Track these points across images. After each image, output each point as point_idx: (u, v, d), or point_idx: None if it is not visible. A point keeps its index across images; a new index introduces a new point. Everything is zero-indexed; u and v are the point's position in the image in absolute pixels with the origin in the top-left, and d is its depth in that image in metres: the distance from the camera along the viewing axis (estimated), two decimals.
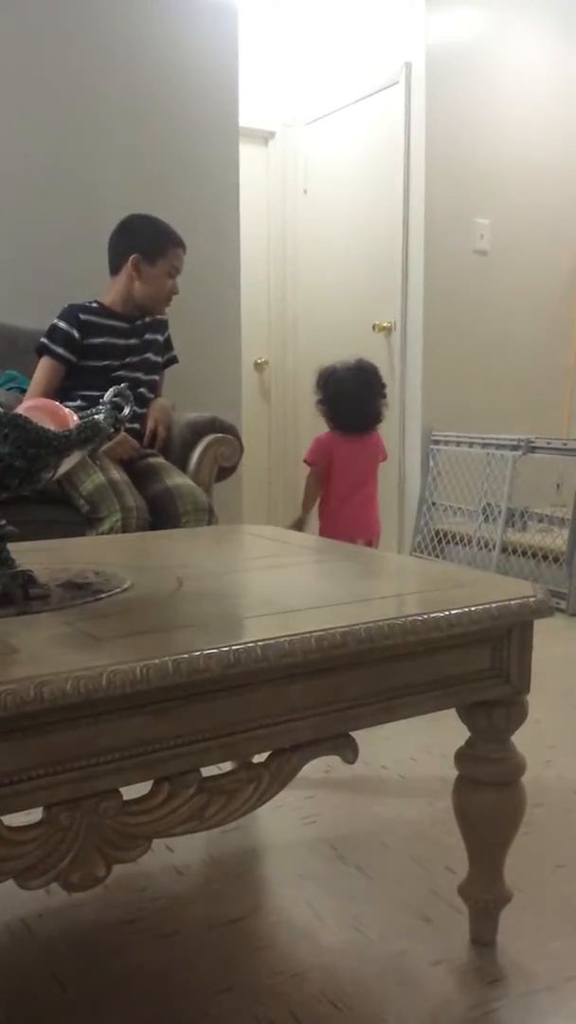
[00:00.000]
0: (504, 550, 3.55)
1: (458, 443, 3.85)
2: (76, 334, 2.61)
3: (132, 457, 2.56)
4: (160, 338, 2.83)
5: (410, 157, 3.94)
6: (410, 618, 1.01)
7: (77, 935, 1.27)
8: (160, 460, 2.63)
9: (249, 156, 4.15)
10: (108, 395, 1.17)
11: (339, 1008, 1.11)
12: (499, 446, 3.59)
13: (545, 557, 3.37)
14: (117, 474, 2.38)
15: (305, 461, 2.79)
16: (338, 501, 2.74)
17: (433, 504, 3.95)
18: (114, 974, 1.18)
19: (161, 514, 2.37)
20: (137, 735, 0.88)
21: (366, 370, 2.76)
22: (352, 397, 2.72)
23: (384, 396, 2.78)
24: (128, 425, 2.58)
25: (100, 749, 0.86)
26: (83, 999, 1.14)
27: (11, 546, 1.11)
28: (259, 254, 4.61)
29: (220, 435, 2.72)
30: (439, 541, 3.88)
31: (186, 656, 0.86)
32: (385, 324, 4.10)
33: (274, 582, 1.27)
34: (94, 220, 3.22)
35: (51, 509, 2.28)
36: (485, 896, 1.23)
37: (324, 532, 2.71)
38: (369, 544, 2.71)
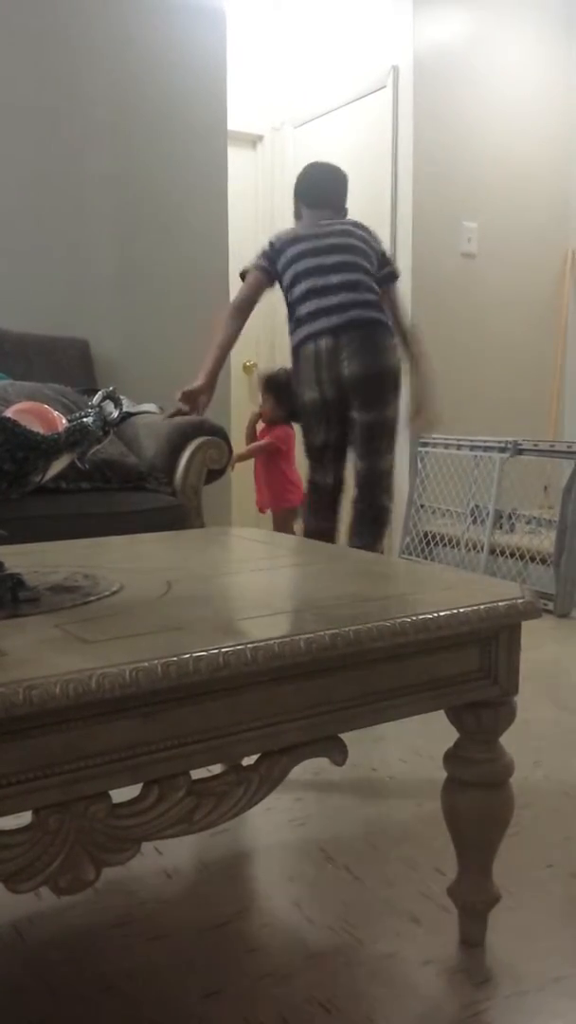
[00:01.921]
0: (492, 552, 3.56)
1: (446, 445, 3.86)
2: None
3: None
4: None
5: (397, 160, 3.95)
6: (399, 620, 1.01)
7: (66, 939, 1.27)
8: None
9: (238, 160, 4.16)
10: (97, 397, 1.17)
11: (328, 1010, 1.11)
12: (486, 448, 3.60)
13: (533, 559, 3.38)
14: None
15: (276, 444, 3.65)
16: (296, 482, 3.67)
17: (421, 506, 3.96)
18: (104, 977, 1.18)
19: None
20: (126, 738, 0.88)
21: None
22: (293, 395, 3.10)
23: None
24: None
25: (89, 752, 0.86)
26: (73, 1003, 1.13)
27: (0, 549, 1.10)
28: (248, 257, 4.59)
29: (208, 438, 2.72)
30: (427, 543, 3.89)
31: (175, 659, 0.87)
32: None
33: (263, 585, 1.27)
34: (82, 224, 3.22)
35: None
36: (474, 897, 1.23)
37: (283, 504, 3.75)
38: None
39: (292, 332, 2.79)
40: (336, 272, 2.69)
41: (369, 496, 2.76)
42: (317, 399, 2.73)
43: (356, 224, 2.85)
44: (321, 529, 2.84)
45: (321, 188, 2.91)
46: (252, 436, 3.82)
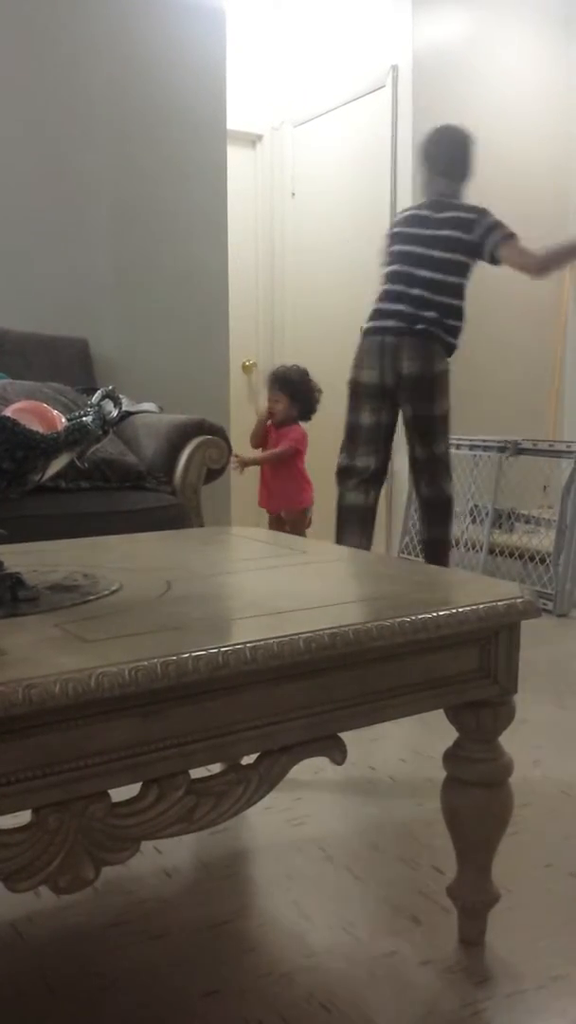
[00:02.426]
0: (491, 551, 3.56)
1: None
2: None
3: None
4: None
5: (397, 160, 3.95)
6: (398, 619, 1.01)
7: (66, 938, 1.27)
8: None
9: (237, 159, 4.16)
10: (96, 396, 1.17)
11: (328, 1009, 1.11)
12: (486, 448, 3.61)
13: (532, 558, 3.38)
14: None
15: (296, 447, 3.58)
16: (309, 483, 3.63)
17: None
18: (103, 976, 1.18)
19: None
20: (126, 737, 0.88)
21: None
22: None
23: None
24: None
25: (89, 751, 0.86)
26: (72, 1002, 1.13)
27: (0, 548, 1.10)
28: (247, 257, 4.61)
29: (208, 437, 2.72)
30: None
31: (175, 658, 0.87)
32: None
33: (262, 584, 1.27)
34: (82, 222, 3.22)
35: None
36: (473, 896, 1.23)
37: (300, 505, 3.64)
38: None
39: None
40: (427, 267, 2.90)
41: (430, 479, 2.99)
42: (376, 382, 2.95)
43: (470, 209, 2.94)
44: (365, 505, 3.03)
45: (453, 156, 3.01)
46: (262, 438, 3.67)
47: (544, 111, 4.27)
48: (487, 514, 3.57)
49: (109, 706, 0.86)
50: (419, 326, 2.88)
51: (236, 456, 3.38)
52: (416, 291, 2.90)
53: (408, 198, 3.91)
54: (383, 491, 4.07)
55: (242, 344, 4.55)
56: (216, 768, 0.99)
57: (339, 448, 3.04)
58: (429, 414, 2.93)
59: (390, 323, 2.91)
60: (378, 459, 3.02)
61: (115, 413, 1.17)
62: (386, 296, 2.95)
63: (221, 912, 1.33)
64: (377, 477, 3.04)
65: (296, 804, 1.68)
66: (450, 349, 2.95)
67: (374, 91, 4.04)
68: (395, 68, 3.91)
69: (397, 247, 2.98)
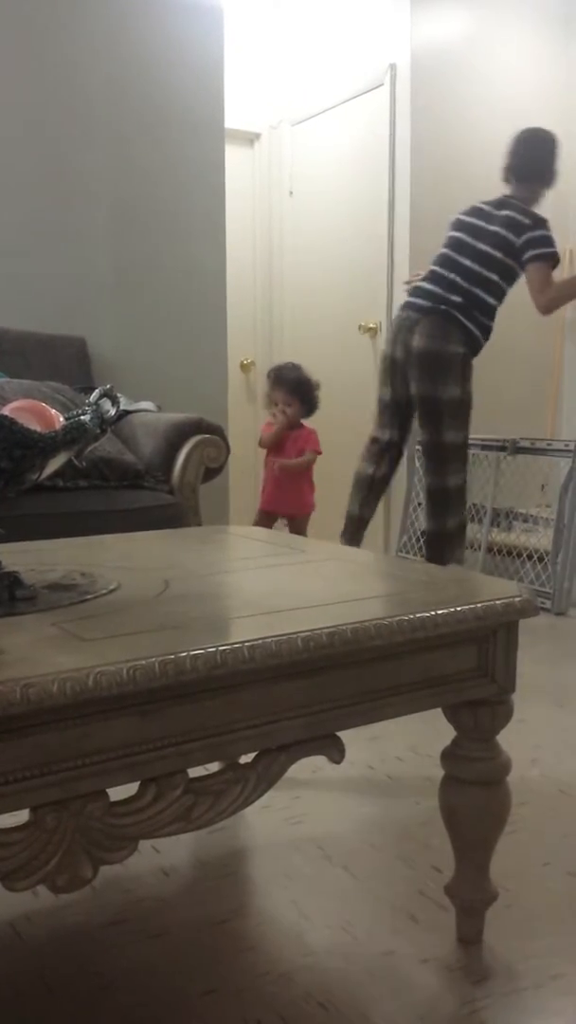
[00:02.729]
0: (489, 550, 3.56)
1: None
2: None
3: None
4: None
5: (395, 158, 3.95)
6: (396, 618, 1.01)
7: (64, 937, 1.27)
8: None
9: (235, 157, 4.15)
10: (94, 395, 1.17)
11: (326, 1008, 1.11)
12: (484, 447, 3.60)
13: (530, 557, 3.38)
14: None
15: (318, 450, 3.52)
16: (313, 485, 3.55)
17: (419, 504, 3.96)
18: (101, 976, 1.18)
19: None
20: (123, 736, 0.88)
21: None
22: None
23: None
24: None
25: (86, 750, 0.86)
26: (71, 1001, 1.13)
27: None
28: (245, 255, 4.61)
29: (206, 436, 2.72)
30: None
31: (172, 657, 0.86)
32: (371, 325, 4.11)
33: (260, 583, 1.27)
34: (79, 221, 3.22)
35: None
36: (471, 895, 1.23)
37: (308, 510, 3.55)
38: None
39: None
40: (469, 256, 3.00)
41: (431, 467, 3.06)
42: (390, 355, 3.11)
43: (527, 214, 3.01)
44: (368, 475, 3.20)
45: (531, 159, 3.11)
46: (279, 443, 3.51)
47: (543, 110, 4.26)
48: (485, 513, 3.57)
49: (107, 705, 0.86)
50: (442, 306, 2.95)
51: (280, 465, 3.40)
52: (452, 275, 2.98)
53: (406, 196, 3.91)
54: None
55: (240, 343, 4.55)
56: (214, 767, 0.99)
57: None
58: (432, 395, 2.96)
59: (418, 301, 3.02)
60: (392, 432, 3.14)
61: (113, 412, 1.17)
62: (426, 277, 3.06)
63: (219, 911, 1.33)
64: (389, 450, 3.16)
65: (294, 803, 1.68)
66: (471, 340, 2.99)
67: (372, 90, 4.04)
68: (393, 67, 3.91)
69: (451, 233, 3.08)
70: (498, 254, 2.96)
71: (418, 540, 3.90)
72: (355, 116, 4.17)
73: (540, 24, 4.22)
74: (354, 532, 3.20)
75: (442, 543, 3.05)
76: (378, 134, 4.01)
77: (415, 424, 3.13)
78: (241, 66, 4.34)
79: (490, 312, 3.00)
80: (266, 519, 3.54)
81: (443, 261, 3.03)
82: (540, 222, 2.96)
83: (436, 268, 3.04)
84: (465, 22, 4.00)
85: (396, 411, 3.13)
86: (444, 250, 3.06)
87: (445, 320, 2.95)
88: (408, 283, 3.53)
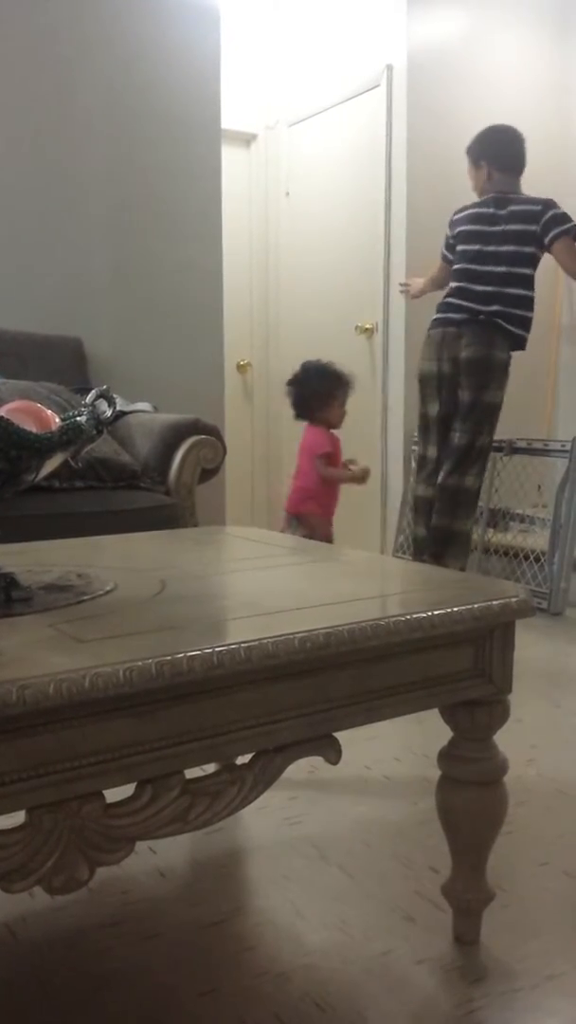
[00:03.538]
0: (486, 550, 3.56)
1: None
2: None
3: None
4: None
5: (391, 159, 3.95)
6: (393, 619, 1.01)
7: (60, 938, 1.27)
8: None
9: (231, 158, 4.15)
10: (90, 396, 1.17)
11: (323, 1008, 1.11)
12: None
13: (526, 557, 3.39)
14: None
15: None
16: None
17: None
18: (97, 977, 1.18)
19: None
20: (120, 737, 0.88)
21: (305, 367, 3.12)
22: (292, 388, 3.11)
23: (316, 392, 3.05)
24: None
25: (83, 752, 0.86)
26: (67, 1002, 1.13)
27: None
28: (241, 256, 4.61)
29: (203, 437, 2.72)
30: None
31: (169, 658, 0.86)
32: (367, 326, 4.11)
33: (257, 584, 1.27)
34: (76, 222, 3.22)
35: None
36: (468, 895, 1.23)
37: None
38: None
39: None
40: (493, 262, 3.04)
41: (455, 466, 3.08)
42: (434, 371, 3.10)
43: (535, 201, 3.06)
44: (428, 497, 3.16)
45: (514, 152, 3.16)
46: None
47: (539, 111, 4.27)
48: (482, 513, 3.57)
49: (103, 706, 0.86)
50: (480, 316, 3.01)
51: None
52: (482, 287, 3.01)
53: (403, 197, 3.91)
54: (378, 492, 4.09)
55: (237, 344, 4.54)
56: (211, 768, 0.99)
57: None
58: (479, 398, 3.02)
59: (454, 315, 3.05)
60: (440, 449, 3.15)
61: (109, 413, 1.17)
62: (453, 292, 3.08)
63: (216, 912, 1.33)
64: (441, 466, 3.15)
65: (291, 803, 1.68)
66: (517, 340, 3.04)
67: (369, 90, 4.04)
68: (390, 67, 3.91)
69: (463, 247, 3.10)
70: (526, 248, 3.01)
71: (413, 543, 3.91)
72: (351, 117, 4.17)
73: (536, 25, 4.23)
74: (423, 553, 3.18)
75: (448, 541, 3.06)
76: (374, 135, 4.01)
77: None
78: (237, 67, 4.34)
79: (530, 304, 3.05)
80: (292, 522, 3.17)
81: (469, 276, 3.05)
82: (550, 202, 3.03)
83: (464, 284, 3.06)
84: (461, 23, 4.00)
85: (444, 426, 3.12)
86: (464, 265, 3.08)
87: (490, 328, 3.00)
88: (404, 286, 3.52)
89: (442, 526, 3.07)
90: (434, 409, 3.13)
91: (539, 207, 3.02)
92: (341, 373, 3.05)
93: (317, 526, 3.02)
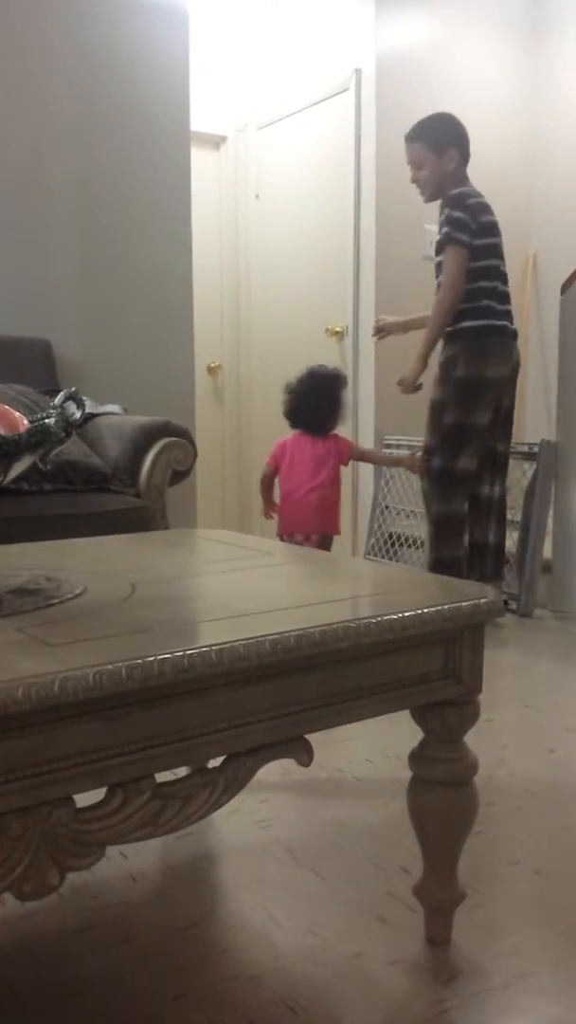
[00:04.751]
0: None
1: (410, 446, 3.87)
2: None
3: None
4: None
5: (361, 163, 3.97)
6: (363, 621, 1.02)
7: (31, 944, 1.26)
8: None
9: (201, 161, 4.15)
10: (59, 398, 1.16)
11: (295, 1011, 1.11)
12: None
13: None
14: None
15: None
16: (282, 498, 2.98)
17: (386, 507, 3.98)
18: (68, 983, 1.17)
19: None
20: (90, 742, 0.87)
21: (316, 376, 2.95)
22: (295, 399, 2.94)
23: (330, 403, 2.94)
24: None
25: (52, 756, 0.85)
26: (38, 1009, 1.12)
27: None
28: (211, 258, 4.60)
29: (173, 439, 2.72)
30: (392, 544, 3.91)
31: (139, 662, 0.86)
32: (337, 328, 4.12)
33: (228, 586, 1.27)
34: (44, 224, 3.19)
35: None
36: (440, 895, 1.24)
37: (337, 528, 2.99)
38: (306, 540, 2.86)
39: (472, 301, 2.84)
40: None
41: (502, 477, 3.04)
42: (505, 376, 2.91)
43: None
44: (463, 517, 2.98)
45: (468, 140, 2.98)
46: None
47: (507, 115, 4.31)
48: None
49: (73, 711, 0.85)
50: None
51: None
52: (504, 288, 2.92)
53: (372, 200, 3.92)
54: (349, 493, 4.11)
55: (207, 346, 4.54)
56: (182, 771, 0.99)
57: (439, 449, 2.91)
58: (513, 405, 3.03)
59: (509, 322, 2.92)
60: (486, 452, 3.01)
61: (78, 415, 1.16)
62: (504, 297, 2.90)
63: (188, 916, 1.32)
64: (489, 466, 3.03)
65: (263, 806, 1.68)
66: None
67: (337, 94, 4.05)
68: (358, 72, 3.93)
69: (493, 240, 2.87)
70: None
71: (386, 542, 3.92)
72: (321, 120, 4.18)
73: (504, 30, 4.26)
74: (492, 562, 3.08)
75: (502, 558, 3.05)
76: (344, 138, 4.02)
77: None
78: (207, 69, 4.34)
79: None
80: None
81: (504, 276, 2.91)
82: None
83: (507, 289, 2.91)
84: (430, 27, 4.03)
85: (487, 435, 2.95)
86: (500, 262, 2.88)
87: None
88: (379, 332, 3.27)
89: (501, 543, 3.03)
90: (487, 418, 2.88)
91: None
92: (345, 377, 3.04)
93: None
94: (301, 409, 2.93)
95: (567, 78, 4.28)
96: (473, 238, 2.79)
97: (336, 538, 2.99)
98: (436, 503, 2.92)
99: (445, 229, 2.81)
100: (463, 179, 2.92)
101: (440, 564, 2.89)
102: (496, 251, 2.87)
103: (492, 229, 2.85)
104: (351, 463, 3.21)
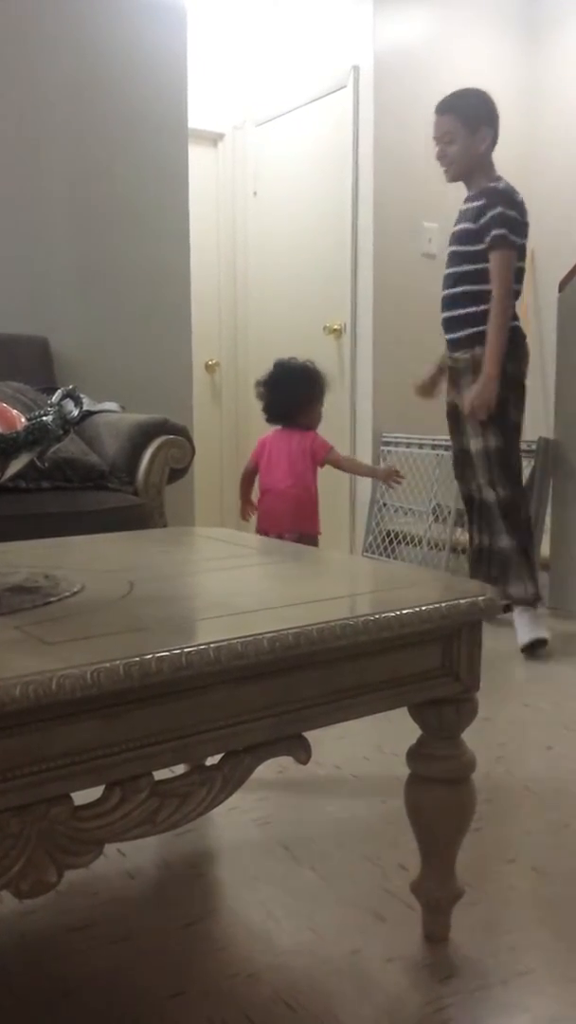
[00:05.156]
0: (454, 550, 3.58)
1: (408, 444, 3.88)
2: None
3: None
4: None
5: (359, 160, 3.96)
6: (361, 618, 1.02)
7: (28, 943, 1.26)
8: None
9: (199, 158, 4.14)
10: (57, 396, 1.16)
11: (293, 1008, 1.11)
12: (448, 447, 3.62)
13: None
14: None
15: None
16: (260, 494, 2.94)
17: (384, 505, 3.98)
18: (67, 980, 1.17)
19: None
20: (88, 740, 0.87)
21: (283, 367, 2.93)
22: (265, 392, 2.91)
23: (298, 393, 2.89)
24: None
25: (51, 754, 0.85)
26: (36, 1007, 1.12)
27: None
28: (209, 256, 4.60)
29: (171, 437, 2.71)
30: (390, 541, 3.91)
31: (137, 660, 0.86)
32: (335, 326, 4.12)
33: (226, 584, 1.27)
34: (42, 221, 3.19)
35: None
36: (437, 893, 1.24)
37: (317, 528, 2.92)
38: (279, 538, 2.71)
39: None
40: None
41: (502, 481, 2.88)
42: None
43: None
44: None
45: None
46: None
47: (505, 111, 4.29)
48: (449, 513, 3.59)
49: (71, 708, 0.85)
50: None
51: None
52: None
53: (369, 199, 3.92)
54: (347, 491, 4.10)
55: (205, 343, 4.53)
56: (180, 769, 0.99)
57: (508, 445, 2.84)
58: None
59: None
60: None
61: (76, 412, 1.16)
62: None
63: (186, 913, 1.32)
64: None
65: (261, 804, 1.68)
66: None
67: (336, 91, 4.04)
68: (356, 68, 3.92)
69: (526, 241, 2.74)
70: None
71: (383, 540, 3.92)
72: (319, 117, 4.18)
73: (502, 27, 4.26)
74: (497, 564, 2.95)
75: (504, 556, 2.92)
76: (342, 135, 4.02)
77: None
78: (205, 66, 4.33)
79: None
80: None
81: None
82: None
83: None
84: (428, 24, 4.02)
85: None
86: (523, 264, 2.77)
87: None
88: (424, 391, 3.06)
89: (505, 546, 2.89)
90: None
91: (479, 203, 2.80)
92: (320, 372, 2.92)
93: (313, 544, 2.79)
94: (273, 403, 2.90)
95: (564, 75, 4.28)
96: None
97: (334, 535, 2.97)
98: (503, 487, 2.81)
99: (502, 231, 2.65)
100: (492, 165, 2.81)
101: (521, 537, 2.77)
102: (524, 253, 2.78)
103: (525, 227, 2.76)
104: None
